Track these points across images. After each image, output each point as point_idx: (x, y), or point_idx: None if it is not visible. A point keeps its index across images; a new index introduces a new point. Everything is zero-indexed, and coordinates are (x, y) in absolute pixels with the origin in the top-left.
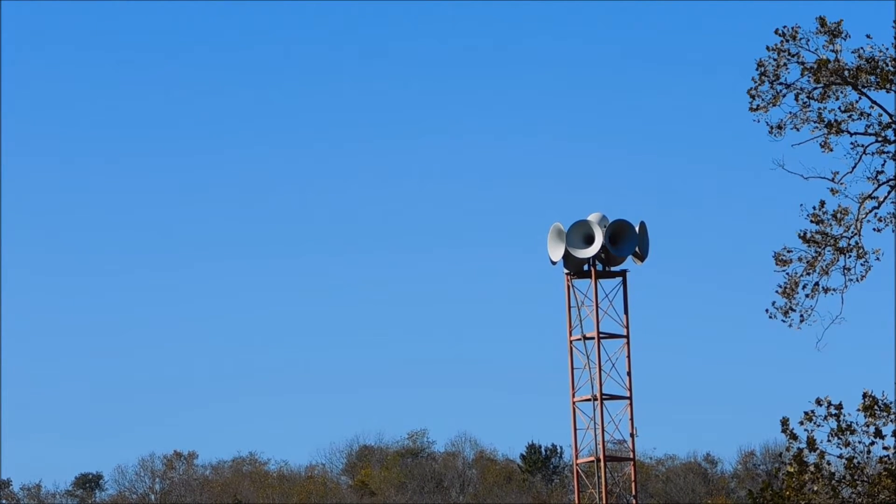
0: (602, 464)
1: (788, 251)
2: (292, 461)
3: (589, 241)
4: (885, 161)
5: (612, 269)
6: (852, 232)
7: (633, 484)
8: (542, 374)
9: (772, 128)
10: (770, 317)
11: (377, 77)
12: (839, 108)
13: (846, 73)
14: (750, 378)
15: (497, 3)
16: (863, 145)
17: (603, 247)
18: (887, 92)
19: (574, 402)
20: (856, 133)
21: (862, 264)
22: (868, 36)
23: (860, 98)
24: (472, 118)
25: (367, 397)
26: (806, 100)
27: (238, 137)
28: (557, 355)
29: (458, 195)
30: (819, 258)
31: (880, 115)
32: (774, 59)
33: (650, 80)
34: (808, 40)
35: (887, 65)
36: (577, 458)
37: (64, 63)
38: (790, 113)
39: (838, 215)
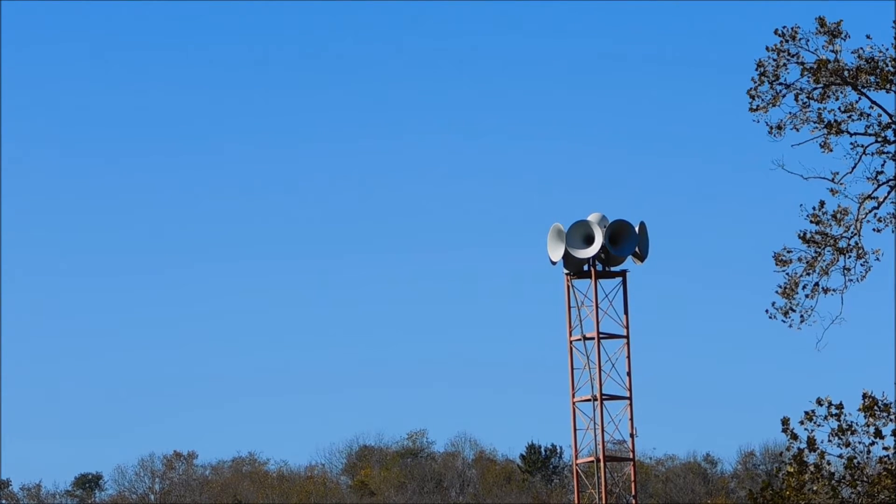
0: (602, 464)
1: (788, 251)
2: (292, 461)
3: (589, 241)
4: (884, 161)
5: (612, 269)
6: (852, 232)
7: (632, 484)
8: (542, 374)
9: (772, 128)
10: (770, 317)
11: (377, 77)
12: (839, 108)
13: (846, 73)
14: (750, 378)
15: (497, 4)
16: (863, 145)
17: (603, 247)
18: (887, 92)
19: (574, 403)
20: (856, 133)
21: (862, 264)
22: (868, 36)
23: (860, 98)
24: (472, 118)
25: (367, 397)
26: (806, 100)
27: (238, 137)
28: (557, 355)
29: (459, 195)
30: (819, 258)
31: (880, 115)
32: (774, 60)
33: (650, 80)
34: (808, 40)
35: (887, 65)
36: (576, 459)
37: (64, 63)
38: (790, 113)
39: (838, 215)
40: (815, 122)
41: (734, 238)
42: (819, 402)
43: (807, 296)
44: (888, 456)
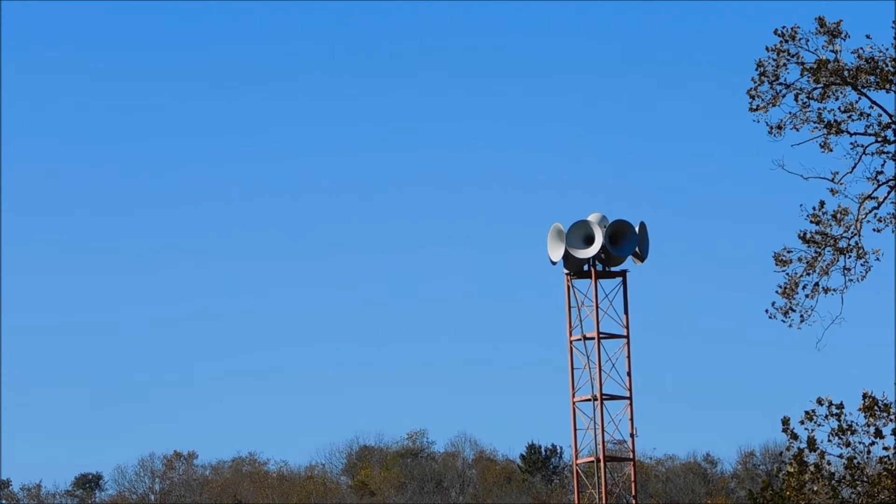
0: (602, 464)
1: (788, 251)
2: (292, 461)
3: (589, 241)
4: (884, 161)
5: (612, 269)
6: (852, 232)
7: (632, 484)
8: (542, 374)
9: (772, 128)
10: (770, 317)
11: (376, 76)
12: (839, 108)
13: (846, 73)
14: (750, 378)
15: (497, 4)
16: (863, 145)
17: (603, 247)
18: (887, 92)
19: (574, 403)
20: (856, 133)
21: (862, 264)
22: (868, 36)
23: (860, 98)
24: (472, 118)
25: (367, 397)
26: (806, 100)
27: (238, 137)
28: (557, 355)
29: (459, 195)
30: (819, 258)
31: (880, 115)
32: (774, 60)
33: (650, 80)
34: (808, 40)
35: (887, 65)
36: (576, 459)
37: (64, 63)
38: (790, 113)
39: (838, 215)
40: (815, 122)
41: (734, 238)
42: (819, 402)
43: (807, 296)
44: (888, 456)
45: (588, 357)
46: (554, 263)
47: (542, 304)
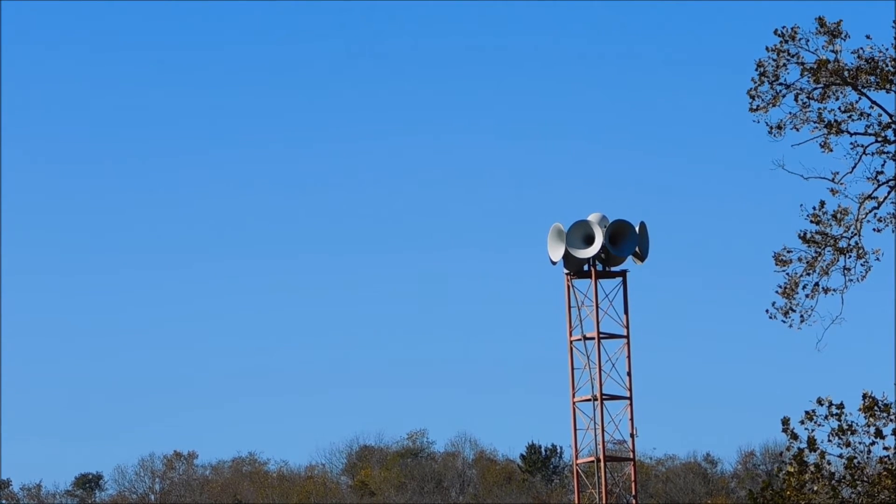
0: (602, 464)
1: (788, 251)
2: (292, 461)
3: (589, 241)
4: (885, 161)
5: (612, 269)
6: (852, 232)
7: (633, 484)
8: (542, 374)
9: (772, 128)
10: (770, 317)
11: (376, 76)
12: (839, 108)
13: (846, 73)
14: (750, 378)
15: (497, 3)
16: (863, 145)
17: (603, 247)
18: (887, 92)
19: (574, 402)
20: (856, 133)
21: (862, 264)
22: (868, 36)
23: (860, 98)
24: (472, 118)
25: (367, 397)
26: (806, 100)
27: (237, 137)
28: (557, 355)
29: (458, 195)
30: (819, 258)
31: (880, 115)
32: (774, 60)
33: (650, 80)
34: (808, 41)
35: (887, 65)
36: (577, 459)
37: (63, 63)
38: (790, 113)
39: (838, 215)
40: (815, 122)
41: (734, 238)
42: (819, 402)
43: (807, 296)
44: (888, 456)
45: (588, 357)
46: (554, 263)
47: (542, 304)
